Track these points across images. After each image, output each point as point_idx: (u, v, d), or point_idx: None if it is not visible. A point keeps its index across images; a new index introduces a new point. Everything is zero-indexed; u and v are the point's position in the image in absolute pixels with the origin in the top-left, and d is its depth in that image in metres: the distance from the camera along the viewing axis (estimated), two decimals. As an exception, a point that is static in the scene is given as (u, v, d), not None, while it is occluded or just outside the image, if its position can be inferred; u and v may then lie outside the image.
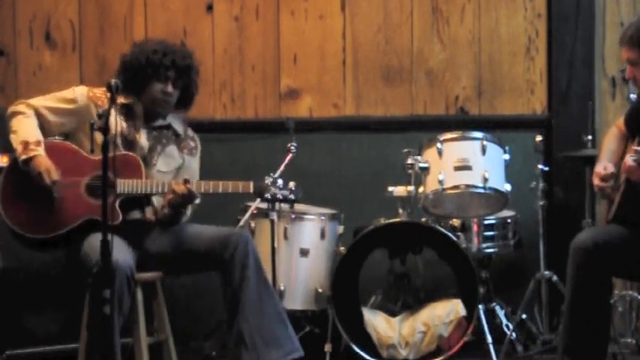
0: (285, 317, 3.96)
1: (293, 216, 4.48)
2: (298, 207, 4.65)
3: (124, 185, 3.85)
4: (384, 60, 5.13)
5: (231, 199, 4.56)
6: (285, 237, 4.45)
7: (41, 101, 3.96)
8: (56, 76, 5.10)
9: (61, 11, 5.11)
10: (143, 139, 4.02)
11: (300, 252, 4.48)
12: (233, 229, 4.04)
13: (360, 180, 5.06)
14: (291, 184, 3.94)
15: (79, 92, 3.99)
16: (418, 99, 5.14)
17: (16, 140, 3.83)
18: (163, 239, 4.01)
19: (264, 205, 4.34)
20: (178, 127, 4.14)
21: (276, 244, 4.21)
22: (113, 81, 3.38)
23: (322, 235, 4.51)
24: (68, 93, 3.99)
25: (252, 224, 4.46)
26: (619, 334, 4.54)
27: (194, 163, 4.19)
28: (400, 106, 5.14)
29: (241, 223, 4.31)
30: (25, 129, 3.86)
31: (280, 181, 3.92)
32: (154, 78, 3.98)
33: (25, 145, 3.80)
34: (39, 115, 3.93)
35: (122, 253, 3.70)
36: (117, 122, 3.80)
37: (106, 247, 3.19)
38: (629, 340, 4.66)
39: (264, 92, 5.13)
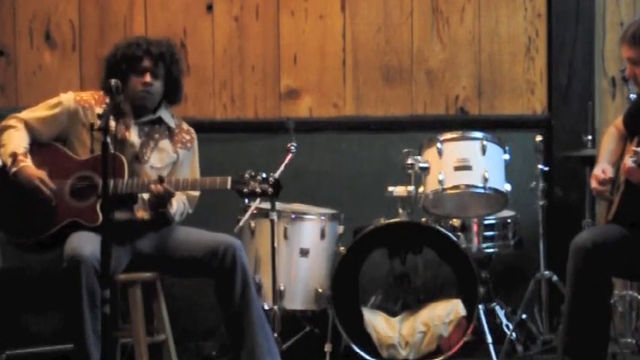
0: (265, 321, 3.99)
1: (293, 216, 4.48)
2: (298, 207, 4.66)
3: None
4: (384, 60, 5.13)
5: (231, 199, 4.56)
6: (285, 237, 4.44)
7: (30, 113, 4.00)
8: (56, 76, 5.09)
9: (61, 11, 5.10)
10: (134, 136, 4.00)
11: (300, 252, 4.47)
12: (224, 236, 4.00)
13: (360, 180, 5.06)
14: (272, 177, 3.83)
15: (65, 97, 4.01)
16: (418, 99, 5.14)
17: (4, 153, 3.88)
18: (155, 242, 4.00)
19: (264, 205, 4.34)
20: (170, 120, 4.10)
21: (276, 244, 4.20)
22: (113, 81, 3.39)
23: (322, 235, 4.50)
24: (54, 99, 4.02)
25: (252, 224, 4.46)
26: (619, 334, 4.54)
27: (190, 157, 4.16)
28: (400, 106, 5.14)
29: (241, 223, 4.31)
30: (13, 141, 3.90)
31: (261, 176, 3.81)
32: (131, 72, 3.95)
33: (14, 157, 3.84)
34: (30, 127, 3.96)
35: (88, 246, 3.68)
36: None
37: (105, 249, 3.17)
38: (629, 340, 4.65)
39: (264, 92, 5.12)
